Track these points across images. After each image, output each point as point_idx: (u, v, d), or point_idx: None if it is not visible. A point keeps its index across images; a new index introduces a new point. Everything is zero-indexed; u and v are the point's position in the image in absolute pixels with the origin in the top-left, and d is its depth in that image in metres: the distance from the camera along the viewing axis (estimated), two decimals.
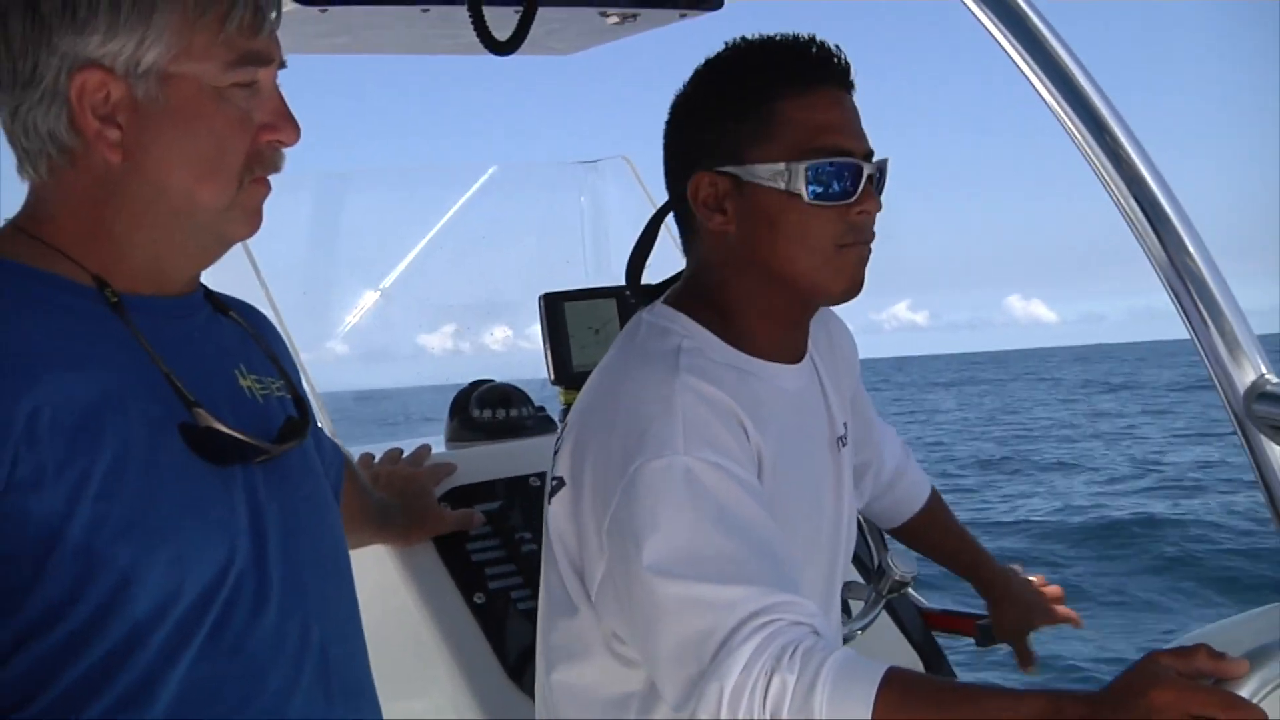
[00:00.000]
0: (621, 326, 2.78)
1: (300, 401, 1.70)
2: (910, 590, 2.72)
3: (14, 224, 1.55)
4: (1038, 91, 2.39)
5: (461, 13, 2.25)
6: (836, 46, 1.89)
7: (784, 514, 1.79)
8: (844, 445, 2.05)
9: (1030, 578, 2.56)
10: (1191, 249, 2.26)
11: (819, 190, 1.82)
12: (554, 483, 1.86)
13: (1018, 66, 2.43)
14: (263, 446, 1.55)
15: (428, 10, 2.30)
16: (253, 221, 1.57)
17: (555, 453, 1.89)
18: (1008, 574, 2.56)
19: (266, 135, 1.53)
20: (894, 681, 1.49)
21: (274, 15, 1.54)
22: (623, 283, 2.15)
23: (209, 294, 1.68)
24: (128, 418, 1.44)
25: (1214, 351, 2.23)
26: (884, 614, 2.72)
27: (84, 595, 1.39)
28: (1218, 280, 2.26)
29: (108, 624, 1.41)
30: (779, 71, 1.85)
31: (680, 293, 1.96)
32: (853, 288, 1.89)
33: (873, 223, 1.88)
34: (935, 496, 2.54)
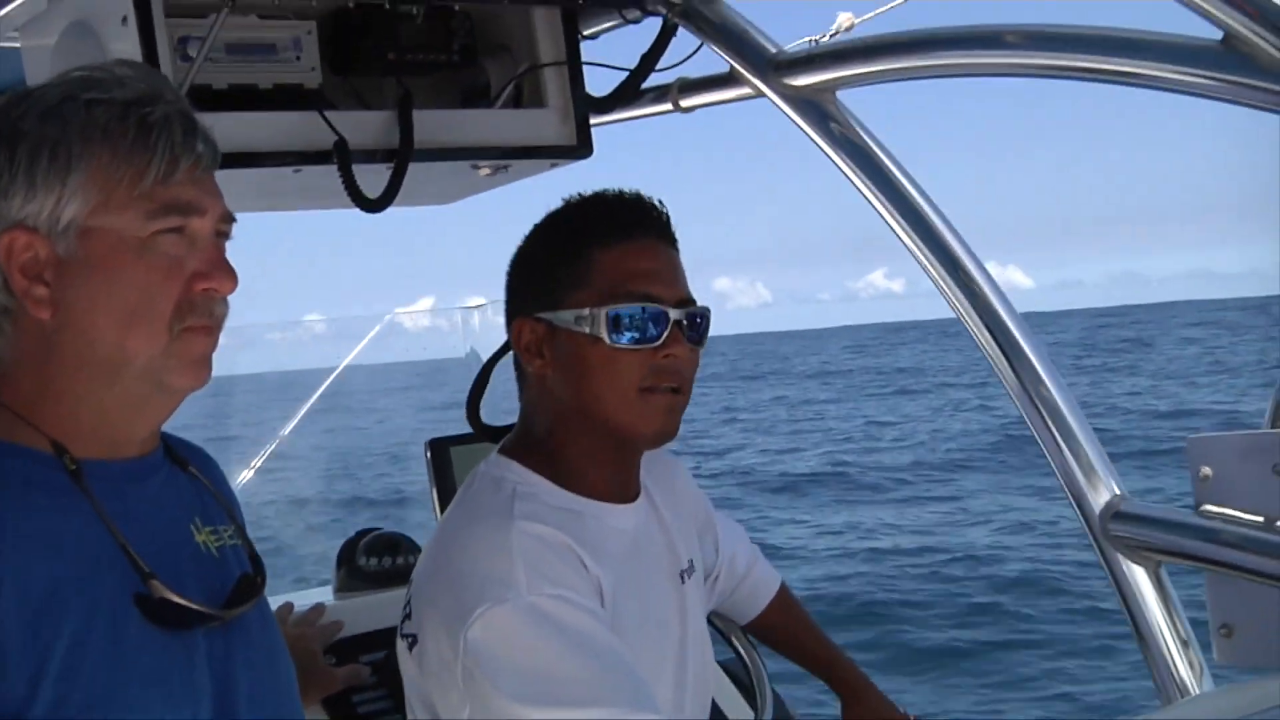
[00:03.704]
0: None
1: (254, 554, 1.72)
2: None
3: None
4: (899, 237, 2.50)
5: (333, 172, 2.32)
6: (660, 202, 1.98)
7: (627, 642, 1.82)
8: (689, 577, 2.10)
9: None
10: (1044, 376, 2.36)
11: (620, 334, 1.89)
12: (405, 640, 1.89)
13: (855, 185, 2.54)
14: (217, 614, 1.56)
15: (299, 170, 2.34)
16: (194, 371, 1.57)
17: (405, 613, 1.91)
18: (865, 677, 2.49)
19: (199, 284, 1.54)
20: None
21: (191, 164, 1.55)
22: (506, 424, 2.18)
23: (168, 449, 1.69)
24: (87, 595, 1.45)
25: (1069, 474, 2.32)
26: None
27: None
28: (1070, 404, 2.35)
29: None
30: (596, 224, 1.95)
31: (513, 441, 2.03)
32: (662, 433, 1.94)
33: (682, 368, 1.94)
34: (784, 590, 2.56)
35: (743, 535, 2.53)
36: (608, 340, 1.89)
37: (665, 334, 1.90)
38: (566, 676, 1.70)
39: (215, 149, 1.61)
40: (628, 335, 1.89)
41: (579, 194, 2.01)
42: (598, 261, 1.92)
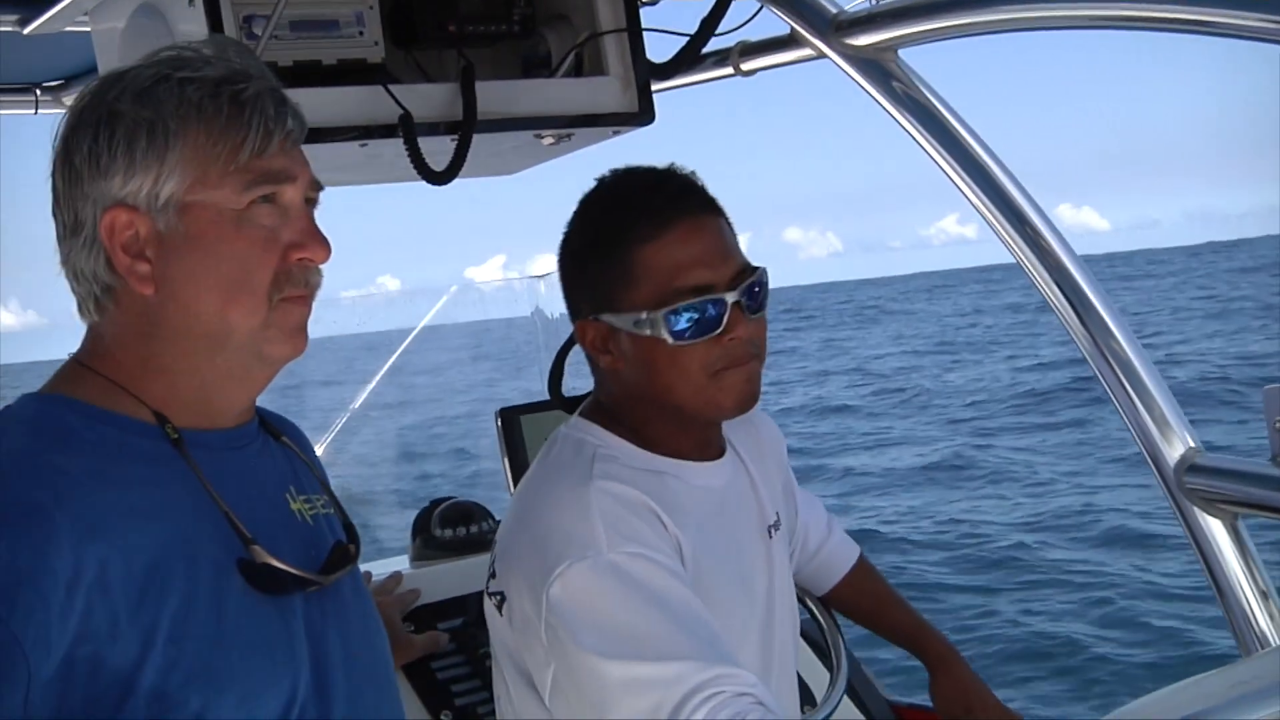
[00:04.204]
0: None
1: (348, 522, 1.76)
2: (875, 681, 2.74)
3: (76, 359, 1.61)
4: (964, 194, 2.49)
5: (399, 145, 2.33)
6: (693, 173, 1.97)
7: (711, 601, 1.84)
8: (776, 532, 2.11)
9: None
10: (1115, 330, 2.34)
11: (680, 331, 1.88)
12: (493, 599, 1.93)
13: (919, 144, 2.52)
14: (316, 579, 1.60)
15: (365, 145, 2.36)
16: (293, 340, 1.60)
17: (490, 572, 1.95)
18: (952, 648, 2.46)
19: (295, 254, 1.58)
20: None
21: (282, 138, 1.58)
22: (580, 393, 2.20)
23: (262, 420, 1.73)
24: (193, 561, 1.49)
25: (1143, 428, 2.31)
26: (851, 706, 2.74)
27: None
28: (1142, 358, 2.34)
29: None
30: (633, 216, 1.93)
31: (592, 406, 2.05)
32: (742, 403, 1.95)
33: (751, 341, 1.93)
34: (863, 561, 2.54)
35: (818, 507, 2.51)
36: (670, 341, 1.89)
37: (725, 318, 1.89)
38: (645, 631, 1.72)
39: (303, 122, 1.63)
40: (688, 332, 1.89)
41: (611, 173, 2.00)
42: (643, 259, 1.91)
